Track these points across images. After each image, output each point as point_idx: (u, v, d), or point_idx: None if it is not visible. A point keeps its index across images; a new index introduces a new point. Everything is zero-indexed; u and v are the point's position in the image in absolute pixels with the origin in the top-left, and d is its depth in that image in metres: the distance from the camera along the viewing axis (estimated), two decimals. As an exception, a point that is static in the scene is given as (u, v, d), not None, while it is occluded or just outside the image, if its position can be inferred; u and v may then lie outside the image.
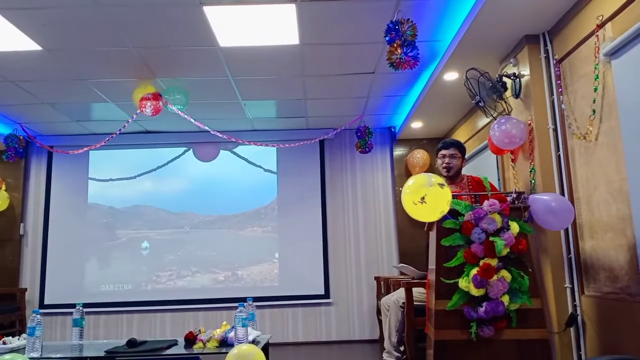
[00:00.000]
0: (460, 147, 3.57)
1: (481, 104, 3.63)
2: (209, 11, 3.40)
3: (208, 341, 3.03)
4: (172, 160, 6.42)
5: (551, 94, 3.38)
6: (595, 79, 2.84)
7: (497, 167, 4.48)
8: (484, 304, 2.64)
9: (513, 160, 3.75)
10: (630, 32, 2.51)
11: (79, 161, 6.28)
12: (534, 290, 2.72)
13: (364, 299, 6.12)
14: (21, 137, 5.67)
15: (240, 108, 5.46)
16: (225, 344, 3.02)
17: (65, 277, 6.09)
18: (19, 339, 3.22)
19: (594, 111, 2.89)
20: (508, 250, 2.70)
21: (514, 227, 2.74)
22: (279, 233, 6.28)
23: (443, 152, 3.55)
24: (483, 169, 4.78)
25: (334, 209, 6.32)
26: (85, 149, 5.52)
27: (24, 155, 5.97)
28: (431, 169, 6.05)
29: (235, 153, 6.42)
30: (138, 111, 4.60)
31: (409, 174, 6.14)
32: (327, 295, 6.08)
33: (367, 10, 3.43)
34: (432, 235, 2.93)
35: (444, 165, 3.51)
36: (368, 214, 6.32)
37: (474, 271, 2.66)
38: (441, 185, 2.59)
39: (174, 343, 3.18)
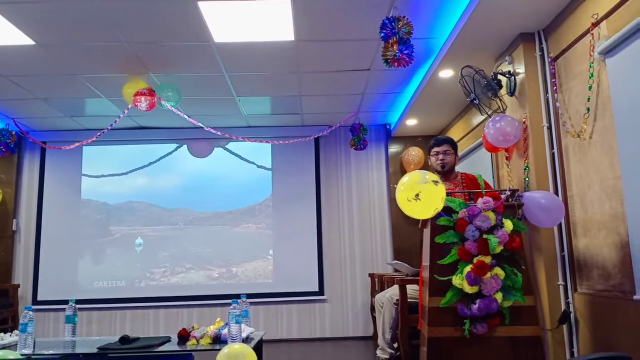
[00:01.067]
0: (452, 143, 3.57)
1: (476, 101, 3.63)
2: (204, 6, 3.38)
3: (201, 338, 3.02)
4: (165, 156, 6.39)
5: (546, 92, 3.39)
6: (590, 77, 2.85)
7: (492, 165, 4.49)
8: (478, 301, 2.65)
9: (507, 158, 3.76)
10: (625, 30, 2.51)
11: (72, 157, 6.24)
12: (527, 287, 2.73)
13: (358, 296, 6.12)
14: (13, 133, 5.64)
15: (235, 104, 5.44)
16: (218, 340, 3.00)
17: (58, 274, 6.06)
18: (11, 335, 3.21)
19: (588, 109, 2.89)
20: (502, 247, 2.70)
21: (508, 224, 2.74)
22: (273, 230, 6.27)
23: (436, 149, 3.53)
24: (477, 167, 4.78)
25: (329, 206, 6.32)
26: (78, 144, 5.48)
27: (16, 151, 5.93)
28: (426, 166, 6.05)
29: (229, 150, 6.40)
30: (130, 106, 4.57)
31: (403, 171, 6.14)
32: (321, 292, 6.08)
33: (362, 6, 3.42)
34: (426, 232, 2.93)
35: (439, 162, 3.50)
36: (363, 211, 6.32)
37: (468, 268, 2.66)
38: (435, 182, 2.58)
39: (167, 340, 3.17)
